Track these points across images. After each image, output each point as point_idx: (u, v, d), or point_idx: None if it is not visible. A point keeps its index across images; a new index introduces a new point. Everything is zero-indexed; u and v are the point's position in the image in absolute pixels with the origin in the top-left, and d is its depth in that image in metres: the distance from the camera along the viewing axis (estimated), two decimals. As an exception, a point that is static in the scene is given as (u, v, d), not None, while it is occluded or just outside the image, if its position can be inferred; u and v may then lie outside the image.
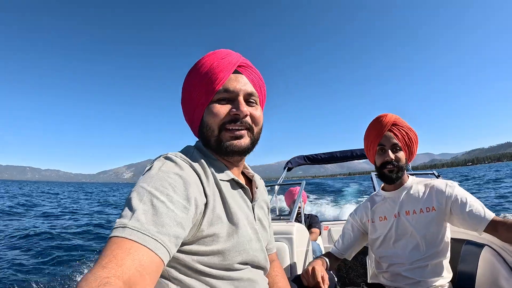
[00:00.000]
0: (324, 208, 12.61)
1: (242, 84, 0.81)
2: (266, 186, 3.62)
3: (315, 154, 4.22)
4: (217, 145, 0.80)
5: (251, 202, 0.87)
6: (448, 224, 1.38)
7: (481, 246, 1.39)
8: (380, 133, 1.40)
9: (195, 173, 0.71)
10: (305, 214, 3.58)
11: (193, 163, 0.73)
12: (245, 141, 0.81)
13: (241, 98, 0.80)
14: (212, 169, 0.78)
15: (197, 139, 0.89)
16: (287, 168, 4.24)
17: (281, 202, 4.08)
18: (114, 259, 0.49)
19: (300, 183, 3.02)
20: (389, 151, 1.38)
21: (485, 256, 1.36)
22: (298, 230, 1.97)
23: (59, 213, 13.73)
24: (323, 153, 4.20)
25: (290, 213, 3.64)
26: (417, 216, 1.36)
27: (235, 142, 0.79)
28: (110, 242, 0.52)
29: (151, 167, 0.69)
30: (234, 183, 0.83)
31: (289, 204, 3.67)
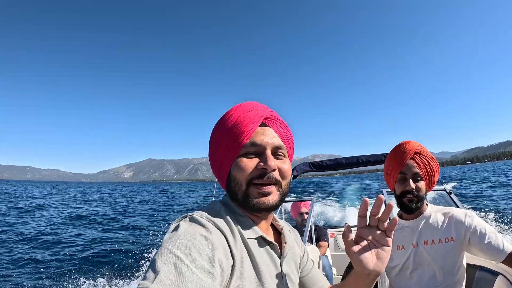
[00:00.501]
0: (327, 209, 12.60)
1: (269, 137, 0.79)
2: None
3: (320, 161, 4.21)
4: (244, 200, 0.77)
5: (280, 258, 0.84)
6: (465, 253, 1.38)
7: (495, 274, 1.39)
8: (401, 161, 1.38)
9: (221, 235, 0.69)
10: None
11: (219, 223, 0.71)
12: (273, 198, 0.78)
13: (268, 152, 0.77)
14: (239, 226, 0.75)
15: (225, 193, 0.87)
16: (292, 176, 4.24)
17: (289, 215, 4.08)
18: None
19: (310, 200, 3.02)
20: (410, 181, 1.35)
21: (499, 285, 1.36)
22: (311, 253, 1.96)
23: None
24: (329, 160, 4.20)
25: (296, 226, 3.67)
26: (436, 246, 1.36)
27: (263, 199, 0.76)
28: None
29: (176, 227, 0.68)
30: (262, 240, 0.80)
31: (295, 215, 3.68)
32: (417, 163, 1.36)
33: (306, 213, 3.51)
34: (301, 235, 2.30)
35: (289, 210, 3.89)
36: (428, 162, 1.37)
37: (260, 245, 0.79)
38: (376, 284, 1.97)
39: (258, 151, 0.77)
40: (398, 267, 1.45)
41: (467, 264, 1.46)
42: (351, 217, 10.09)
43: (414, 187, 1.35)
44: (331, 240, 3.95)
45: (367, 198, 0.73)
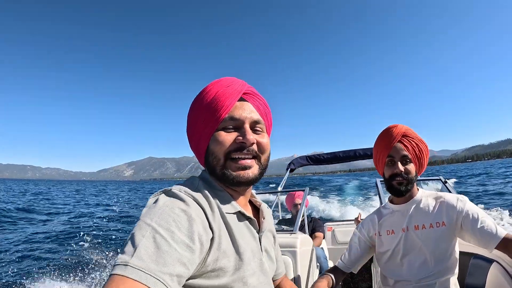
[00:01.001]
0: (326, 206, 12.64)
1: (247, 111, 0.79)
2: (268, 192, 3.59)
3: (317, 155, 4.23)
4: (223, 174, 0.77)
5: (258, 233, 0.85)
6: (457, 239, 1.33)
7: (490, 261, 1.36)
8: (389, 144, 1.35)
9: (200, 208, 0.69)
10: (308, 217, 3.56)
11: (197, 197, 0.70)
12: (253, 171, 0.78)
13: (247, 126, 0.78)
14: (218, 201, 0.75)
15: (203, 169, 0.86)
16: (289, 169, 4.23)
17: (283, 208, 4.07)
18: None
19: (303, 190, 2.99)
20: (399, 163, 1.33)
21: (493, 272, 1.32)
22: (302, 241, 1.94)
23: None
24: (326, 153, 4.21)
25: (292, 218, 3.64)
26: (426, 231, 1.31)
27: (242, 172, 0.76)
28: (111, 280, 0.52)
29: (155, 202, 0.67)
30: (241, 215, 0.80)
31: (290, 207, 3.66)
32: (405, 145, 1.33)
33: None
34: (294, 224, 2.28)
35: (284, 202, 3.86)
36: (416, 144, 1.34)
37: (239, 220, 0.80)
38: (370, 273, 1.95)
39: (237, 126, 0.78)
40: (389, 252, 1.41)
41: (461, 252, 1.42)
42: (351, 212, 10.13)
43: (403, 170, 1.33)
44: (328, 233, 3.95)
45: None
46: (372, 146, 1.49)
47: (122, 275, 0.52)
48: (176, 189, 0.71)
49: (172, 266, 0.56)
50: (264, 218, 0.89)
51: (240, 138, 0.76)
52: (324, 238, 3.50)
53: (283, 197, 4.04)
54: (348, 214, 10.16)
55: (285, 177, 4.09)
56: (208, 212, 0.69)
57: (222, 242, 0.70)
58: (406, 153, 1.33)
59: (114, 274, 0.52)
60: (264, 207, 0.93)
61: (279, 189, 3.59)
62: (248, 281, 0.74)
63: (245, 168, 0.77)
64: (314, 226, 3.54)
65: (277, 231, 2.25)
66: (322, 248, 3.14)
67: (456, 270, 1.32)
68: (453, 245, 1.31)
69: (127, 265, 0.53)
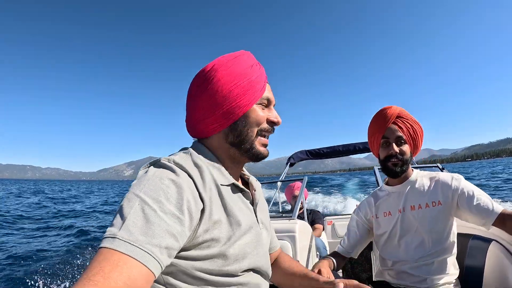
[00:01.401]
0: (326, 200, 12.64)
1: (273, 94, 0.85)
2: (268, 182, 3.60)
3: (317, 149, 4.20)
4: (250, 148, 0.80)
5: (252, 205, 0.85)
6: (454, 219, 1.34)
7: (488, 241, 1.36)
8: (383, 126, 1.36)
9: (190, 179, 0.67)
10: (307, 210, 3.56)
11: (188, 167, 0.69)
12: (268, 150, 0.85)
13: (273, 108, 0.85)
14: (211, 172, 0.74)
15: (194, 139, 0.85)
16: (289, 163, 4.23)
17: (283, 198, 4.08)
18: (101, 271, 0.47)
19: (302, 179, 3.00)
20: (394, 144, 1.34)
21: (492, 251, 1.32)
22: (301, 227, 1.94)
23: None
24: (326, 147, 4.18)
25: (291, 210, 3.65)
26: (422, 211, 1.32)
27: (263, 150, 0.82)
28: (99, 253, 0.51)
29: (144, 173, 0.67)
30: (234, 187, 0.80)
31: (290, 199, 3.66)
32: (399, 126, 1.34)
33: None
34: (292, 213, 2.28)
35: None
36: (410, 125, 1.35)
37: (234, 192, 0.79)
38: (370, 258, 1.96)
39: (268, 105, 0.83)
40: (386, 234, 1.42)
41: (459, 234, 1.43)
42: (352, 207, 10.14)
43: (398, 151, 1.34)
44: (328, 227, 3.95)
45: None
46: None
47: (110, 248, 0.51)
48: (165, 160, 0.70)
49: (161, 238, 0.55)
50: (255, 190, 0.89)
51: (275, 119, 0.82)
52: (324, 230, 3.49)
53: (282, 195, 4.05)
54: (348, 209, 10.18)
55: (285, 170, 4.09)
56: (198, 182, 0.68)
57: (213, 213, 0.69)
58: (400, 134, 1.34)
59: (102, 247, 0.51)
60: (253, 179, 0.93)
61: (279, 180, 3.60)
62: (245, 252, 0.73)
63: (266, 145, 0.83)
64: (314, 218, 3.54)
65: (275, 217, 2.27)
66: (322, 240, 3.15)
67: (455, 250, 1.32)
68: (450, 224, 1.31)
69: (115, 237, 0.52)
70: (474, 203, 1.23)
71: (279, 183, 3.50)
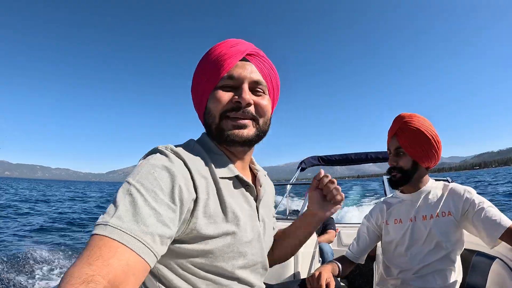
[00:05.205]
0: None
1: (248, 71, 0.76)
2: (277, 185, 3.57)
3: (329, 155, 4.16)
4: (218, 133, 0.76)
5: (255, 201, 0.82)
6: (463, 232, 1.33)
7: (492, 258, 1.36)
8: (389, 138, 1.41)
9: (185, 167, 0.67)
10: None
11: (185, 156, 0.68)
12: (249, 131, 0.76)
13: (245, 86, 0.75)
14: (213, 164, 0.73)
15: (204, 132, 0.86)
16: (300, 168, 4.20)
17: (291, 202, 4.08)
18: (100, 257, 0.48)
19: (311, 184, 2.98)
20: (391, 156, 1.39)
21: (495, 269, 1.32)
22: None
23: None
24: (338, 155, 4.13)
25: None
26: (433, 221, 1.32)
27: (237, 131, 0.75)
28: (93, 239, 0.51)
29: (140, 161, 0.67)
30: (237, 181, 0.78)
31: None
32: (399, 138, 1.35)
33: None
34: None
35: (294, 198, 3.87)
36: (412, 136, 1.31)
37: (235, 186, 0.77)
38: (372, 269, 1.93)
39: (235, 85, 0.76)
40: (394, 242, 1.41)
41: (464, 249, 1.41)
42: (353, 214, 10.02)
43: (394, 163, 1.37)
44: None
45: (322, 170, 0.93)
46: (384, 150, 1.53)
47: (102, 235, 0.51)
48: (162, 147, 0.70)
49: (153, 226, 0.55)
50: (261, 186, 0.85)
51: (236, 97, 0.74)
52: (335, 236, 3.40)
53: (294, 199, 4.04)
54: (349, 214, 10.03)
55: (296, 175, 4.08)
56: (194, 173, 0.67)
57: (209, 204, 0.67)
58: (399, 145, 1.35)
59: (94, 234, 0.52)
60: (262, 174, 0.90)
61: (289, 183, 3.60)
62: (241, 249, 0.72)
63: (240, 127, 0.75)
64: (326, 223, 3.42)
65: (280, 219, 2.26)
66: (330, 246, 3.09)
67: (459, 263, 1.32)
68: (458, 236, 1.31)
69: (107, 224, 0.52)
70: (484, 216, 1.22)
71: (288, 186, 3.50)
